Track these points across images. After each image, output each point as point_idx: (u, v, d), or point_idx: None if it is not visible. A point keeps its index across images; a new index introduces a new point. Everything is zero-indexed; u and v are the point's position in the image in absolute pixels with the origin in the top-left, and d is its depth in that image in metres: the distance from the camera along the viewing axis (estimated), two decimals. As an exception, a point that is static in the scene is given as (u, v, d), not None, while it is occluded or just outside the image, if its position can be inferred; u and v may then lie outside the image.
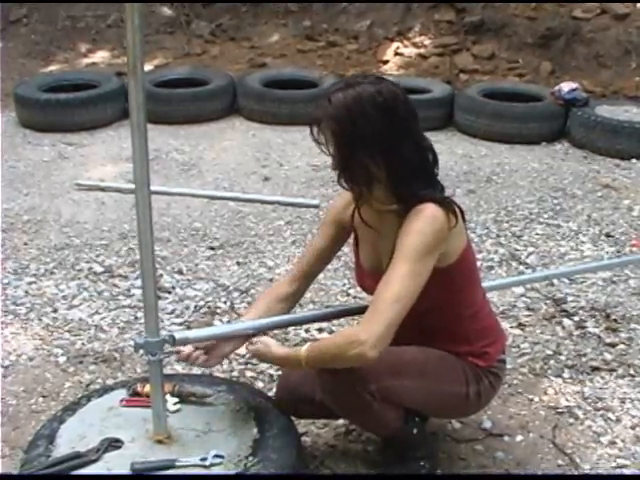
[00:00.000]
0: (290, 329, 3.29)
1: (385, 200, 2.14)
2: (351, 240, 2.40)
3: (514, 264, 4.03)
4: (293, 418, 2.36)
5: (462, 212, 2.17)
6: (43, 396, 2.91)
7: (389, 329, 1.99)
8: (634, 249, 4.20)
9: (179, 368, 3.04)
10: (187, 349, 2.23)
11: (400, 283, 2.02)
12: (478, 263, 3.84)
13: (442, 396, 2.26)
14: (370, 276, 2.28)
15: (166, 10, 8.80)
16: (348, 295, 3.66)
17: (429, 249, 2.04)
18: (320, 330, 3.31)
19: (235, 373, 3.03)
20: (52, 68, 7.97)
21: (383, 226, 2.20)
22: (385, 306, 2.01)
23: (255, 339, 2.22)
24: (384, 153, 2.06)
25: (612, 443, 2.66)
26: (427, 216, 2.05)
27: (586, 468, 2.54)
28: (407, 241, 2.04)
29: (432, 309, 2.17)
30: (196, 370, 3.01)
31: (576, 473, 2.51)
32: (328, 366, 2.10)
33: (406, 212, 2.08)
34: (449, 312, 2.24)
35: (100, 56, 8.34)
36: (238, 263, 4.04)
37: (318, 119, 2.09)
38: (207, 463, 2.08)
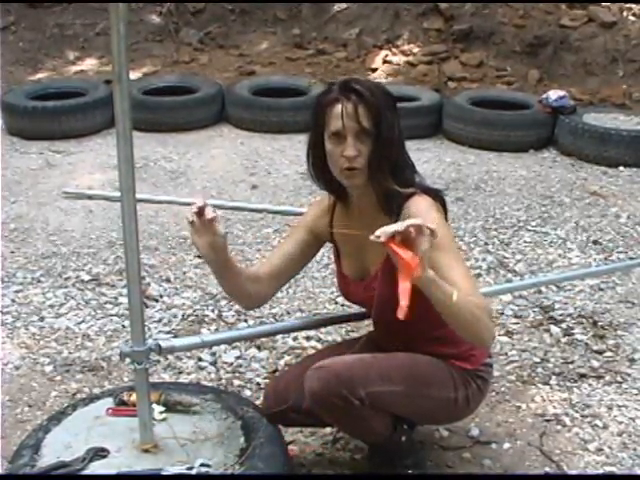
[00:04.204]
0: (278, 337, 3.29)
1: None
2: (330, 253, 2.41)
3: (502, 271, 4.04)
4: (280, 427, 2.35)
5: (445, 210, 2.20)
6: (29, 405, 2.89)
7: None
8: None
9: (166, 377, 3.03)
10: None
11: (465, 279, 2.04)
12: (466, 270, 3.89)
13: (431, 401, 2.25)
14: (356, 283, 2.28)
15: (155, 18, 8.81)
16: (336, 303, 3.65)
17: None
18: (308, 338, 3.31)
19: (222, 382, 3.02)
20: (40, 76, 7.96)
21: (369, 232, 2.20)
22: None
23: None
24: (401, 136, 2.12)
25: (599, 450, 2.66)
26: (431, 206, 2.09)
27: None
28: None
29: (417, 307, 2.15)
30: (183, 379, 3.01)
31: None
32: (466, 324, 2.00)
33: (398, 206, 2.10)
34: (434, 312, 2.24)
35: (88, 64, 8.33)
36: (226, 271, 4.02)
37: (356, 93, 2.06)
38: (194, 472, 2.06)
